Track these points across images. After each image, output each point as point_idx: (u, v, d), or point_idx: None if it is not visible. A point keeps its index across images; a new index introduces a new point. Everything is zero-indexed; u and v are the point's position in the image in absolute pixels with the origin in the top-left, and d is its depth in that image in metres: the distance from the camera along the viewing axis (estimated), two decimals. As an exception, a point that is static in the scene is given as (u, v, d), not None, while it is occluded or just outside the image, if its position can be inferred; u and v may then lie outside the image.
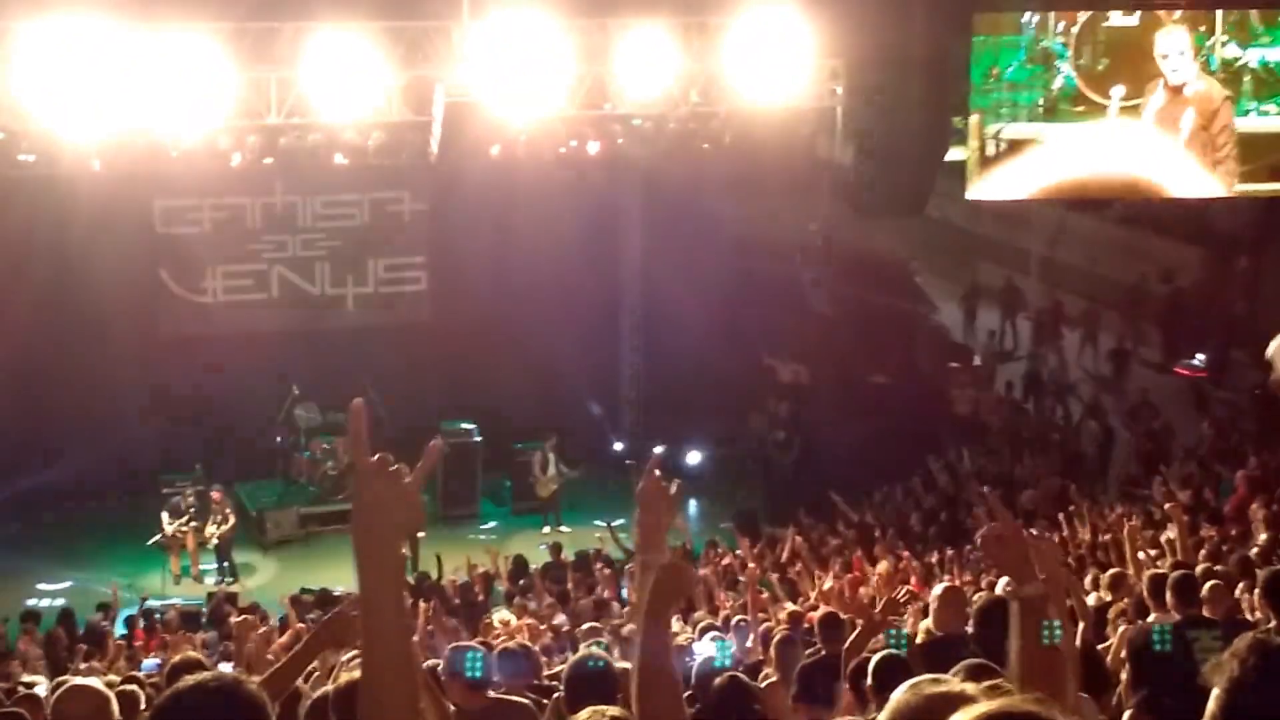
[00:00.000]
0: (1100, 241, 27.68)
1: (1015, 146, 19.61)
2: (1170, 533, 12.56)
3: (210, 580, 18.54)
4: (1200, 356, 23.54)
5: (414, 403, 20.33)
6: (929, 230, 28.60)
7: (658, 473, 3.58)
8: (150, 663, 12.89)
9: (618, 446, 21.40)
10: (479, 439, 20.35)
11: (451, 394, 20.93)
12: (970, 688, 2.57)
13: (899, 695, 2.60)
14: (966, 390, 22.29)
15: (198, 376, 20.33)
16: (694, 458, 21.12)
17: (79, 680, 5.76)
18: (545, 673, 9.22)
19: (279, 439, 20.20)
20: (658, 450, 4.30)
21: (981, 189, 19.58)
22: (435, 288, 21.59)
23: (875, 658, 6.01)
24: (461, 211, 21.13)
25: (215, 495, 18.59)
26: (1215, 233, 25.98)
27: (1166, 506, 13.25)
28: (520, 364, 20.90)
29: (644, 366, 22.54)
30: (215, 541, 18.52)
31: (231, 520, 18.58)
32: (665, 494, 3.54)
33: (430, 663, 7.18)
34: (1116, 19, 19.88)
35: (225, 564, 18.68)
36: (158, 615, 16.13)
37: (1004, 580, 6.70)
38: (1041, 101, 19.91)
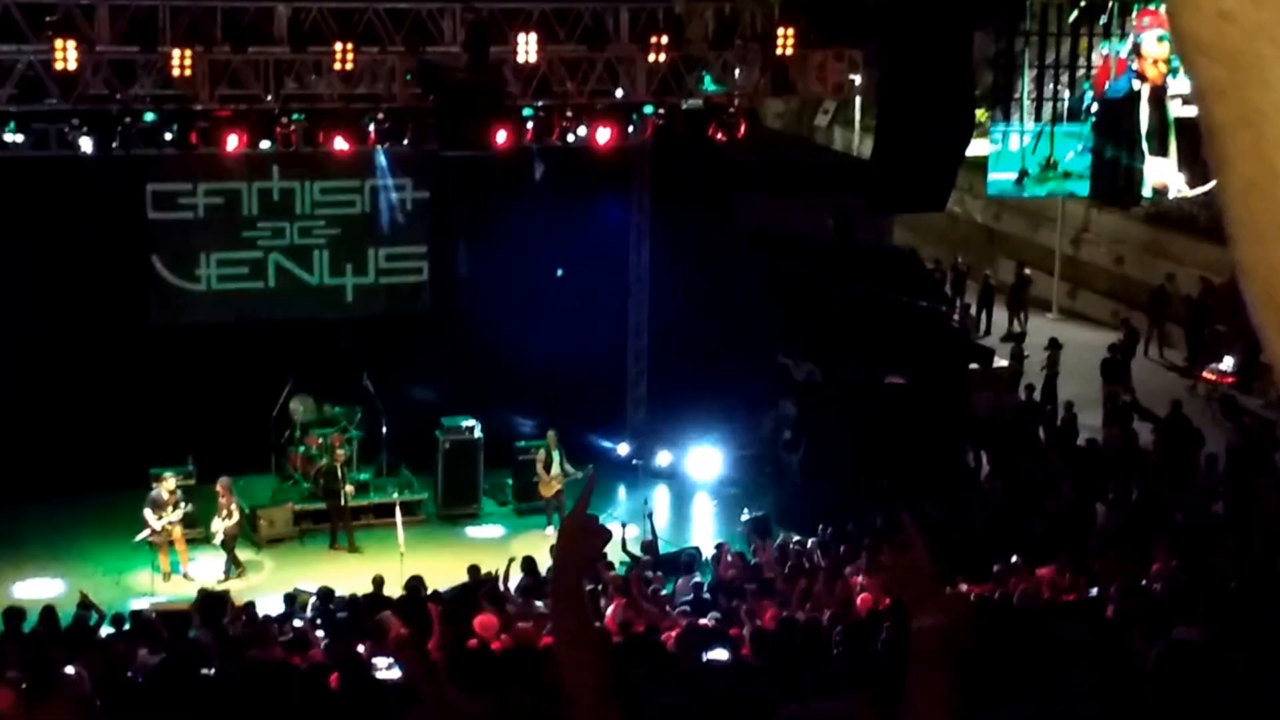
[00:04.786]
0: (1126, 240, 27.10)
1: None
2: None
3: (220, 577, 17.89)
4: (1228, 361, 22.86)
5: (414, 397, 19.85)
6: (950, 226, 28.11)
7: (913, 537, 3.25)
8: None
9: (623, 447, 20.80)
10: (480, 436, 19.80)
11: (453, 389, 20.40)
12: None
13: None
14: (986, 393, 21.65)
15: (190, 367, 19.81)
16: (704, 458, 20.55)
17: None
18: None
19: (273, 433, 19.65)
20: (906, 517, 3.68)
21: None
22: (437, 279, 21.02)
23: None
24: (465, 200, 20.60)
25: (220, 488, 18.01)
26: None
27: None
28: (524, 359, 20.37)
29: (652, 363, 22.00)
30: (220, 537, 17.91)
31: (236, 515, 18.01)
32: (923, 557, 3.14)
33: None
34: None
35: (231, 557, 18.06)
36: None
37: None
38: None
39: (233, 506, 17.97)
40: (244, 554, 18.56)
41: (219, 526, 17.93)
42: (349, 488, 18.68)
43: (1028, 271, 26.95)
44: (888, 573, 3.09)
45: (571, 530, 3.08)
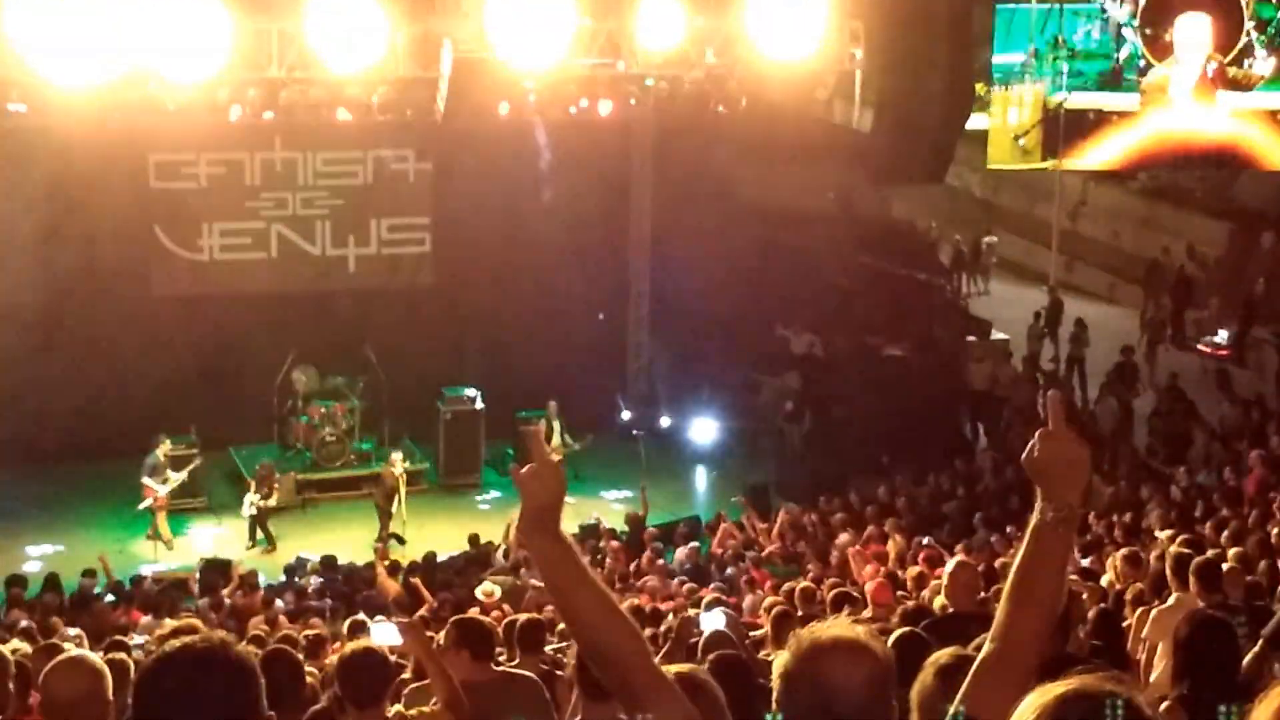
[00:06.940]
0: (1123, 214, 27.21)
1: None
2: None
3: (256, 550, 17.99)
4: (1222, 334, 23.02)
5: (416, 368, 19.97)
6: (948, 199, 28.19)
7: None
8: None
9: (625, 416, 20.93)
10: (482, 406, 19.91)
11: (454, 359, 20.52)
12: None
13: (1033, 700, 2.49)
14: (984, 364, 21.78)
15: (193, 337, 19.89)
16: (704, 428, 20.67)
17: (73, 653, 5.20)
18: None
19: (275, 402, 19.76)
20: None
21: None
22: (440, 250, 21.12)
23: (894, 634, 5.62)
24: (468, 172, 20.67)
25: (264, 470, 18.21)
26: (1241, 208, 25.48)
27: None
28: (525, 330, 20.47)
29: (653, 334, 22.12)
30: (252, 511, 18.05)
31: (276, 497, 18.18)
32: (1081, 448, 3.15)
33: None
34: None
35: (265, 533, 18.19)
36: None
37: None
38: (1107, 71, 20.01)
39: (273, 484, 18.13)
40: (244, 524, 18.62)
41: (253, 500, 18.06)
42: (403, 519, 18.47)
43: (989, 240, 27.26)
44: (1035, 445, 2.93)
45: (535, 474, 3.11)
